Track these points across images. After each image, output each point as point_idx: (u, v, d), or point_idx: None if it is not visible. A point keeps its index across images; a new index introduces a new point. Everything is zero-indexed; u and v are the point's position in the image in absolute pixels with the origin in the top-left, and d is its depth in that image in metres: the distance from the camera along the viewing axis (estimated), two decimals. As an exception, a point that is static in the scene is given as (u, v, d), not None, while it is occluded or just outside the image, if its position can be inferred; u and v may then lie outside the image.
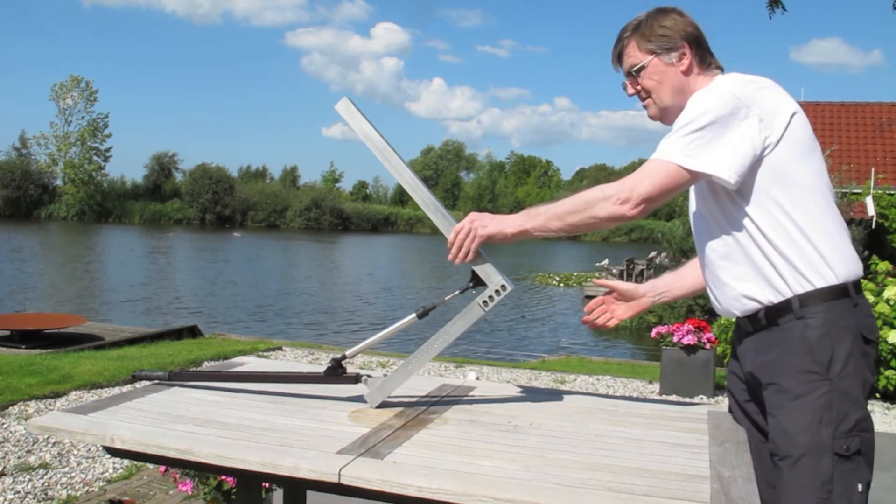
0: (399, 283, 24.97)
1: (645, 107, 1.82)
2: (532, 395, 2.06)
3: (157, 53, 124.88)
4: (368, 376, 1.86)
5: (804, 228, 1.61)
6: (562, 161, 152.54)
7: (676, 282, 2.04)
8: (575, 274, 27.49)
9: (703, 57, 1.77)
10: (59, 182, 60.11)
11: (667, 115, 1.78)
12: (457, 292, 1.86)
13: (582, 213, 1.64)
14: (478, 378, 6.11)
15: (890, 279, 6.60)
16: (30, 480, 3.67)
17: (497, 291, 1.74)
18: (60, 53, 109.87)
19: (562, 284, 24.69)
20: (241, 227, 60.15)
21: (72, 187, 58.32)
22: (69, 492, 3.57)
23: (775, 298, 1.63)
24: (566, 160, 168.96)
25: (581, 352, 11.01)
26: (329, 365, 1.90)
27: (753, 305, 1.67)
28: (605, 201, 1.62)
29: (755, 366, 1.68)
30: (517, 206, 70.89)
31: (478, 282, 1.77)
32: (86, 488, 3.63)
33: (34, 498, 3.47)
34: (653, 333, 6.64)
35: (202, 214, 61.60)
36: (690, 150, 1.58)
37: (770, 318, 1.64)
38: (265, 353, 7.85)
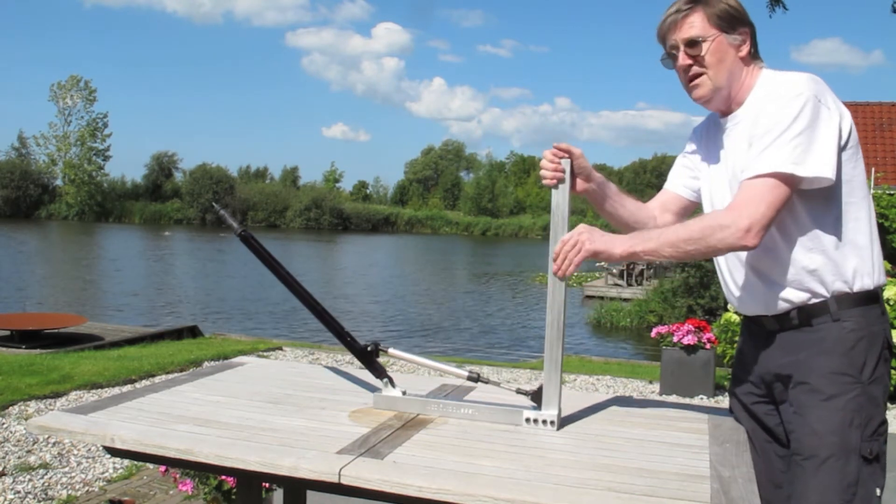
0: (407, 287, 24.93)
1: (694, 85, 1.71)
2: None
3: (158, 53, 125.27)
4: (391, 381, 1.85)
5: (849, 233, 1.60)
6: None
7: (616, 199, 1.88)
8: (575, 274, 27.42)
9: (756, 48, 1.71)
10: (58, 182, 60.25)
11: (716, 98, 1.71)
12: (514, 389, 1.84)
13: (698, 242, 1.57)
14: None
15: (890, 279, 6.60)
16: (30, 480, 3.67)
17: (545, 421, 1.70)
18: (60, 53, 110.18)
19: (562, 284, 24.65)
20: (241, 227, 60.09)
21: (71, 187, 58.38)
22: (69, 492, 3.57)
23: (810, 299, 1.62)
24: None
25: (581, 352, 11.01)
26: (368, 346, 1.87)
27: (786, 305, 1.65)
28: (723, 232, 1.55)
29: (780, 365, 1.66)
30: (517, 206, 71.12)
31: (536, 398, 1.74)
32: (86, 488, 3.63)
33: (34, 498, 3.47)
34: (653, 333, 6.63)
35: (202, 214, 61.62)
36: (797, 157, 1.53)
37: (803, 318, 1.63)
38: (265, 353, 7.85)
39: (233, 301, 17.70)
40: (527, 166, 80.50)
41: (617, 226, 1.94)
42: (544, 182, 1.72)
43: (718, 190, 1.78)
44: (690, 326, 6.31)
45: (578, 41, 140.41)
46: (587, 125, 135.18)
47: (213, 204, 1.99)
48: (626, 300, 18.22)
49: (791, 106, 1.54)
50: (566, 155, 1.72)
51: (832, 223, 1.60)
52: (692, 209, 1.96)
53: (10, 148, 62.54)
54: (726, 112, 1.74)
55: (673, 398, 6.12)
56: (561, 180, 1.71)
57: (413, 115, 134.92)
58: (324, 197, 65.70)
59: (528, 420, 1.71)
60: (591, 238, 1.63)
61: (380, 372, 1.86)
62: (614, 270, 21.96)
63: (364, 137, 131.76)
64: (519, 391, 1.82)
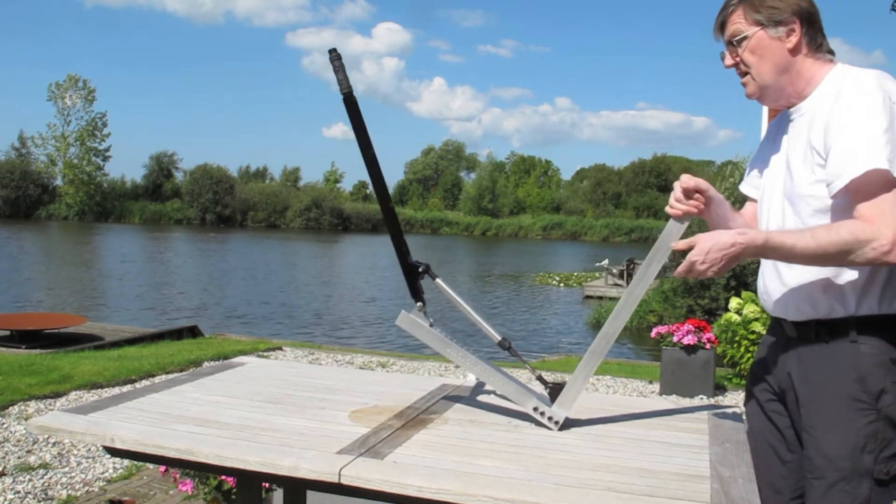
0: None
1: (743, 84, 1.67)
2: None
3: (158, 53, 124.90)
4: (424, 307, 1.80)
5: None
6: (562, 161, 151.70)
7: (729, 217, 1.78)
8: (575, 274, 27.49)
9: (815, 37, 1.63)
10: (58, 182, 60.26)
11: (766, 95, 1.66)
12: (535, 376, 1.83)
13: (835, 258, 1.48)
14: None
15: None
16: (30, 480, 3.67)
17: (550, 418, 1.69)
18: (60, 53, 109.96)
19: (562, 284, 24.68)
20: (242, 227, 60.30)
21: (71, 187, 58.38)
22: (69, 492, 3.57)
23: (831, 314, 1.56)
24: (566, 160, 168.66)
25: (581, 352, 10.98)
26: (419, 265, 1.81)
27: (806, 315, 1.60)
28: (864, 247, 1.44)
29: (794, 377, 1.63)
30: (517, 206, 71.12)
31: (554, 392, 1.73)
32: (86, 488, 3.63)
33: (34, 498, 3.47)
34: (653, 333, 6.63)
35: (202, 214, 61.65)
36: (889, 153, 1.44)
37: (820, 333, 1.58)
38: (265, 353, 7.85)
39: (233, 301, 17.69)
40: (527, 166, 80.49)
41: None
42: (671, 213, 1.66)
43: (770, 181, 1.72)
44: (690, 326, 6.31)
45: (578, 41, 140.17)
46: (587, 125, 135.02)
47: (332, 50, 1.75)
48: (626, 300, 18.17)
49: (871, 107, 1.48)
50: (700, 196, 1.65)
51: None
52: None
53: (10, 148, 62.62)
54: (789, 106, 1.68)
55: (673, 398, 6.13)
56: (690, 217, 1.66)
57: (413, 115, 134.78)
58: (324, 197, 65.67)
59: (535, 409, 1.70)
60: (727, 265, 1.50)
61: (417, 293, 1.81)
62: (614, 270, 21.94)
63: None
64: (540, 378, 1.80)
